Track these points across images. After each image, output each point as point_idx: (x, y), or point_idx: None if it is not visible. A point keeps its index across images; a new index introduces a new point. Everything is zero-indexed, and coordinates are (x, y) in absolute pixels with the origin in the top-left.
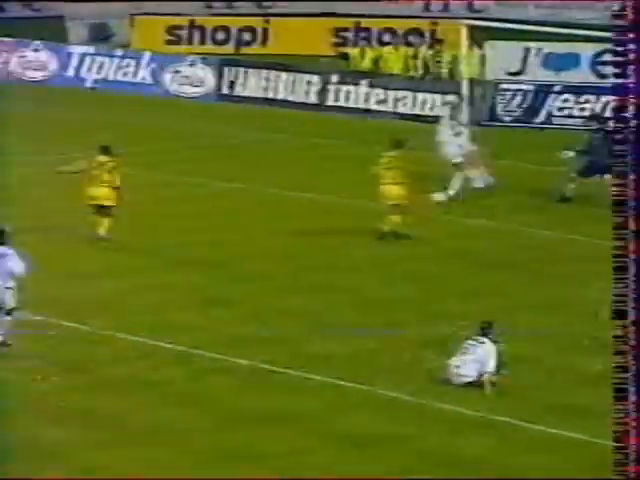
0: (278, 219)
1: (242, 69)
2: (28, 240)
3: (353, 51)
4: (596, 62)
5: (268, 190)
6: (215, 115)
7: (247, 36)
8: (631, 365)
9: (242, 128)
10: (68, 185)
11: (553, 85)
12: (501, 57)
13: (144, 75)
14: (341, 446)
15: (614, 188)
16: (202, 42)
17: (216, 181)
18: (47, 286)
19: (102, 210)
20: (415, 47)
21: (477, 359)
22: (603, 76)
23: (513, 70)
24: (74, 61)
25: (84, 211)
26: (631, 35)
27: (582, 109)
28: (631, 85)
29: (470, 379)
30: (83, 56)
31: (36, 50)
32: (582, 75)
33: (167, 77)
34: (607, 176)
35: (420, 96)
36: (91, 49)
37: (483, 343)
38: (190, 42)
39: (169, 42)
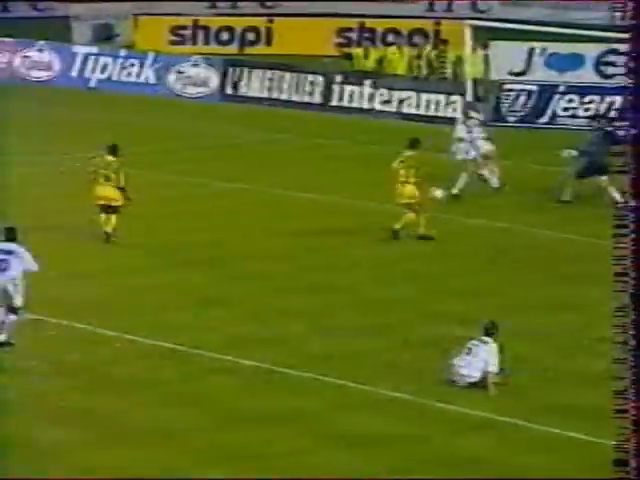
0: (279, 219)
1: (246, 69)
2: (27, 240)
3: (357, 51)
4: (600, 62)
5: (271, 190)
6: (219, 115)
7: (251, 36)
8: (631, 365)
9: (246, 128)
10: (70, 185)
11: (557, 85)
12: (505, 57)
13: (148, 75)
14: (341, 446)
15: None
16: (206, 42)
17: (219, 181)
18: (46, 286)
19: (109, 209)
20: (419, 47)
21: (480, 359)
22: (607, 76)
23: (517, 70)
24: (78, 61)
25: (85, 211)
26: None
27: (587, 109)
28: (631, 85)
29: (474, 379)
30: (87, 56)
31: (40, 50)
32: (586, 75)
33: (171, 77)
34: (604, 177)
35: (424, 96)
36: (95, 49)
37: (486, 343)
38: (194, 42)
39: (173, 42)
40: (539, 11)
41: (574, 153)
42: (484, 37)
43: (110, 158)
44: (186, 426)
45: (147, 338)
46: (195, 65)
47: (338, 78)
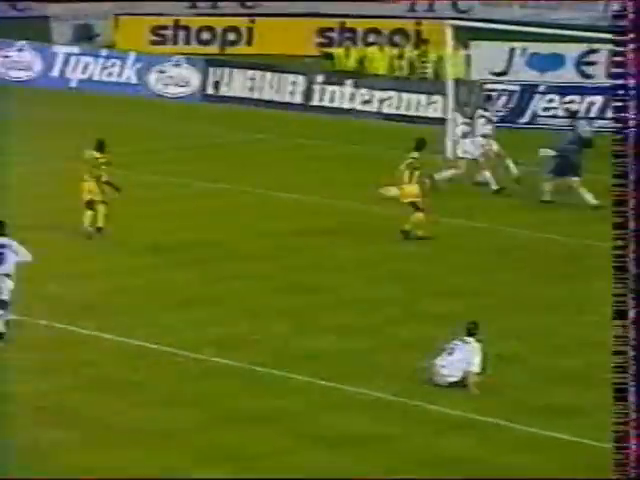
0: (262, 219)
1: (227, 69)
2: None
3: (338, 51)
4: (581, 62)
5: (253, 190)
6: (200, 115)
7: (232, 36)
8: (631, 365)
9: (227, 128)
10: (50, 185)
11: (538, 85)
12: (486, 57)
13: (129, 75)
14: (325, 446)
15: (615, 188)
16: (187, 42)
17: (201, 181)
18: (33, 287)
19: (89, 204)
20: (400, 47)
21: (463, 359)
22: (588, 76)
23: (498, 70)
24: (59, 61)
25: (65, 211)
26: (631, 35)
27: (567, 109)
28: (631, 85)
29: (455, 379)
30: (68, 56)
31: (20, 50)
32: (567, 75)
33: (152, 77)
34: (576, 178)
35: (405, 96)
36: (76, 49)
37: (468, 343)
38: (175, 42)
39: (154, 42)
40: (520, 11)
41: (551, 152)
42: (465, 37)
43: (96, 154)
44: (171, 426)
45: (133, 339)
46: (176, 65)
47: (319, 78)
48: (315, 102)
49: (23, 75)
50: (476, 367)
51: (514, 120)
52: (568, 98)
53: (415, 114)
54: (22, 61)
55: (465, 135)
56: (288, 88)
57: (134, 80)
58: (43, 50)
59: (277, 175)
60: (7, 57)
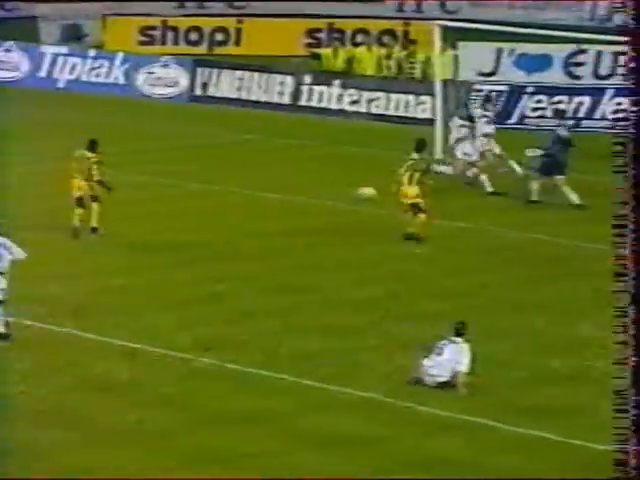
0: (250, 220)
1: (215, 70)
2: None
3: (326, 51)
4: (569, 63)
5: (241, 191)
6: (188, 116)
7: (220, 36)
8: (631, 365)
9: (215, 129)
10: (40, 186)
11: (526, 86)
12: (474, 58)
13: (117, 76)
14: (313, 447)
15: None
16: (175, 42)
17: (189, 182)
18: (19, 286)
19: (79, 201)
20: (388, 48)
21: (451, 359)
22: (576, 77)
23: (486, 71)
24: (46, 61)
25: (50, 211)
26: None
27: (555, 110)
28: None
29: (443, 379)
30: (56, 57)
31: (8, 50)
32: (555, 76)
33: (140, 78)
34: (561, 176)
35: (393, 97)
36: (64, 50)
37: (457, 343)
38: (163, 43)
39: (142, 43)
40: (508, 12)
41: (538, 152)
42: (453, 37)
43: (88, 154)
44: (159, 427)
45: (122, 339)
46: (165, 65)
47: (307, 78)
48: (303, 102)
49: (10, 75)
50: (465, 367)
51: (502, 121)
52: (556, 98)
53: (404, 114)
54: (10, 61)
55: (465, 136)
56: (276, 88)
57: (122, 80)
58: (31, 50)
59: (265, 175)
60: None
